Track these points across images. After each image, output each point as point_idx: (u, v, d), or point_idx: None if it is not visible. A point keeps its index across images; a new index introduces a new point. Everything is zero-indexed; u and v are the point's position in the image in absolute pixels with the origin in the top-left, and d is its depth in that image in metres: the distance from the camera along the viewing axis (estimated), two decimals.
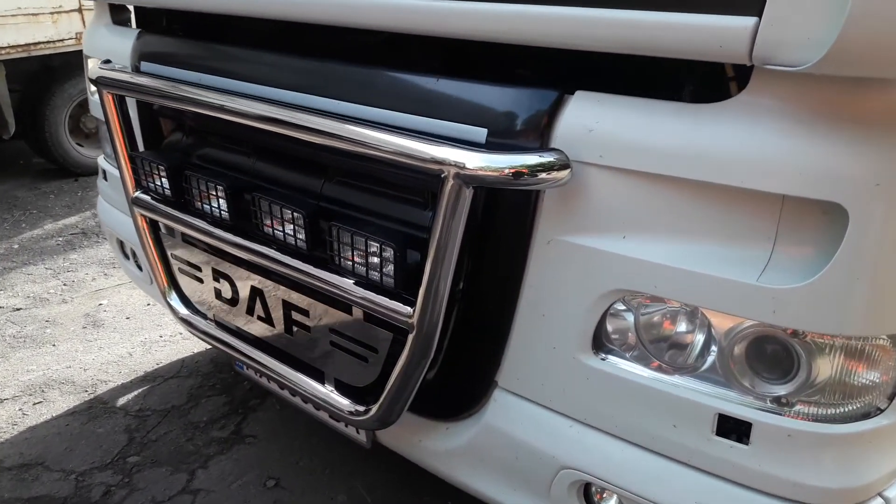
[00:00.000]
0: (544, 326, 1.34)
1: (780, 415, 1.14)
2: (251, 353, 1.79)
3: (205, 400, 2.78)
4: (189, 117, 1.92)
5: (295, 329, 1.70)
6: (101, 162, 2.43)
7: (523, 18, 1.19)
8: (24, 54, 5.04)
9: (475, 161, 1.18)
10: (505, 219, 1.34)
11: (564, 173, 1.18)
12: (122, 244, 2.41)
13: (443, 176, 1.21)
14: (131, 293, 3.68)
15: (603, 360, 1.29)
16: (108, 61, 1.90)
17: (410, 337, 1.37)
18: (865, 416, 1.14)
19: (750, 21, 0.96)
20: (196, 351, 3.12)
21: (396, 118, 1.39)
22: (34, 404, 2.78)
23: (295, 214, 1.51)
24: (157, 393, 2.84)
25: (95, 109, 2.16)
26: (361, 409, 1.56)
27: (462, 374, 1.51)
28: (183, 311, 1.99)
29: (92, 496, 2.29)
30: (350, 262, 1.43)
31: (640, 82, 1.18)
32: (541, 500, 1.44)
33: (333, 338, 1.61)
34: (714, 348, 1.20)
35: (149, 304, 3.52)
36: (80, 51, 2.46)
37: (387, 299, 1.39)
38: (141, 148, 2.01)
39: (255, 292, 1.76)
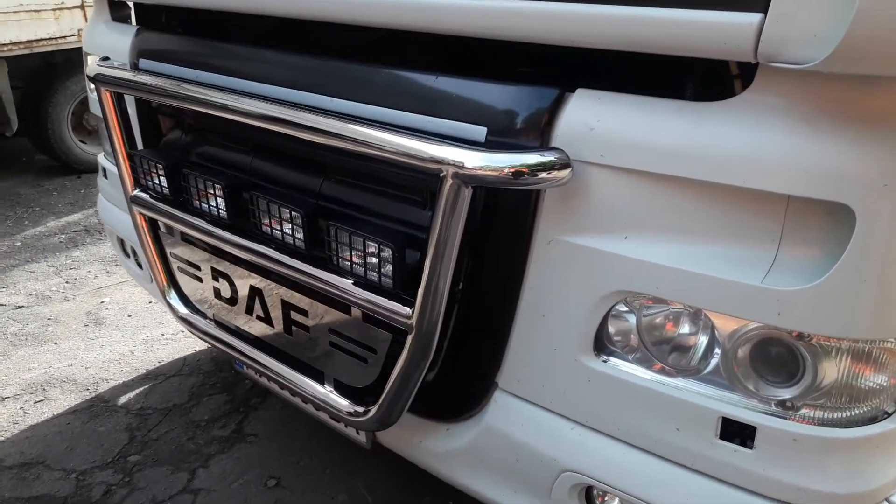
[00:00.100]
0: (545, 327, 1.32)
1: (786, 418, 1.13)
2: (251, 352, 1.78)
3: (206, 398, 2.77)
4: (188, 115, 1.91)
5: (294, 329, 1.68)
6: (101, 159, 2.43)
7: (523, 15, 1.17)
8: (27, 51, 5.04)
9: (474, 160, 1.16)
10: (505, 218, 1.32)
11: (565, 173, 1.16)
12: (122, 242, 2.41)
13: (441, 175, 1.19)
14: (133, 291, 3.68)
15: (604, 361, 1.28)
16: (106, 58, 1.89)
17: (410, 337, 1.36)
18: (872, 420, 1.12)
19: (755, 17, 0.94)
20: (198, 349, 3.12)
21: (395, 116, 1.37)
22: (35, 403, 2.78)
23: (293, 213, 1.49)
24: (159, 391, 2.83)
25: (95, 107, 2.15)
26: (361, 409, 1.55)
27: (462, 375, 1.50)
28: (182, 309, 1.99)
29: (92, 495, 2.29)
30: (349, 262, 1.42)
31: (642, 80, 1.16)
32: (542, 503, 1.42)
33: (333, 338, 1.59)
34: (717, 351, 1.18)
35: (151, 302, 3.52)
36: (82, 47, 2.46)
37: (385, 300, 1.38)
38: (140, 146, 2.01)
39: (255, 292, 1.75)
